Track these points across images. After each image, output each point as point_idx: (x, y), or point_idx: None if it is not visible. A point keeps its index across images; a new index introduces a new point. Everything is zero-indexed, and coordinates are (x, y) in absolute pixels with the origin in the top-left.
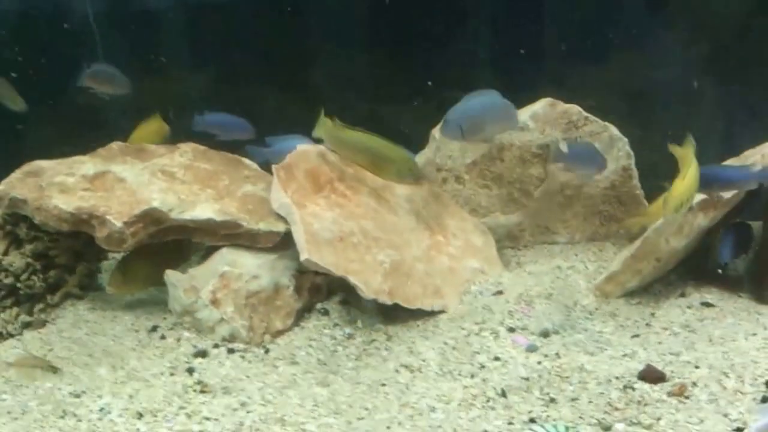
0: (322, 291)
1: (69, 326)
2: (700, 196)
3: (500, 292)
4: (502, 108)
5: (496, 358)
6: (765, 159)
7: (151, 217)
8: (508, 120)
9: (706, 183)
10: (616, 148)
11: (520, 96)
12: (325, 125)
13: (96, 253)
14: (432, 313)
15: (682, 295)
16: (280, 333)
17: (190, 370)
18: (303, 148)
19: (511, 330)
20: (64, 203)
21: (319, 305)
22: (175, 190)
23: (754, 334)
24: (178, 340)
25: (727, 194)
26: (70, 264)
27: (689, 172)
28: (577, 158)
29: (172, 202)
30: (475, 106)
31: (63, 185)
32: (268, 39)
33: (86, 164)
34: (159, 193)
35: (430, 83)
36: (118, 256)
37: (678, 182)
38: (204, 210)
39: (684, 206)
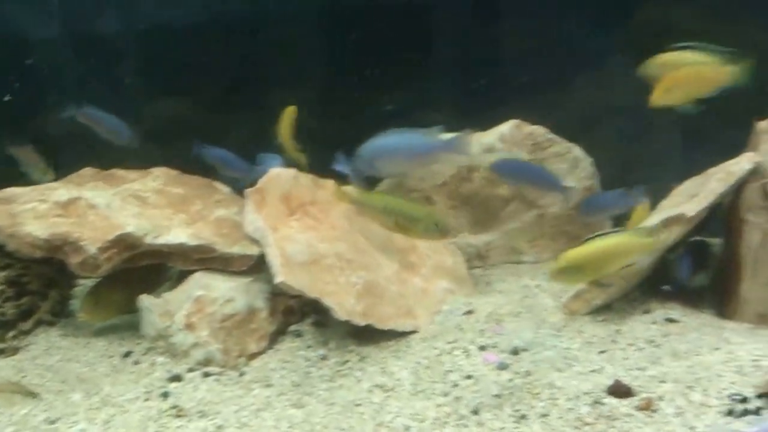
0: (295, 313)
1: (42, 353)
2: (660, 216)
3: (471, 312)
4: (414, 146)
5: (468, 377)
6: (729, 176)
7: (125, 243)
8: (421, 157)
9: (586, 210)
10: (580, 168)
11: (487, 117)
12: (343, 195)
13: (68, 280)
14: (404, 333)
15: (647, 311)
16: (254, 356)
17: (165, 395)
18: (276, 171)
19: (482, 348)
20: (38, 230)
21: (292, 327)
22: (148, 215)
23: (718, 349)
24: (152, 364)
25: (690, 212)
26: (42, 290)
27: (600, 244)
28: (520, 175)
29: (146, 226)
30: (387, 143)
31: (36, 212)
32: (232, 64)
33: (58, 190)
34: (133, 218)
35: (389, 107)
36: (90, 282)
37: (581, 247)
38: (178, 234)
39: (582, 275)
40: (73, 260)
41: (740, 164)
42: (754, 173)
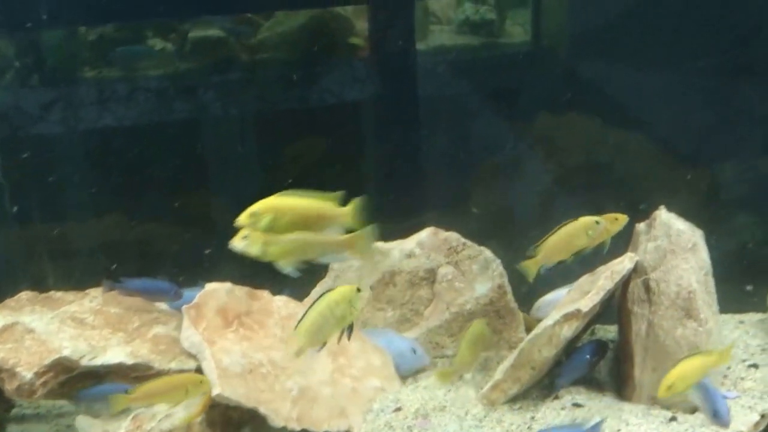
0: (233, 422)
1: None
2: (560, 312)
3: (399, 408)
4: None
5: None
6: (614, 275)
7: (62, 366)
8: None
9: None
10: (491, 269)
11: (405, 225)
12: None
13: (4, 404)
14: None
15: (556, 397)
16: None
17: None
18: (212, 286)
19: None
20: None
21: None
22: (86, 336)
23: (619, 430)
24: None
25: (585, 308)
26: None
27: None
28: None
29: (83, 348)
30: None
31: None
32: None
33: None
34: (69, 340)
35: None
36: (26, 404)
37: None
38: (115, 354)
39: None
40: (9, 386)
41: (623, 263)
42: (636, 270)
